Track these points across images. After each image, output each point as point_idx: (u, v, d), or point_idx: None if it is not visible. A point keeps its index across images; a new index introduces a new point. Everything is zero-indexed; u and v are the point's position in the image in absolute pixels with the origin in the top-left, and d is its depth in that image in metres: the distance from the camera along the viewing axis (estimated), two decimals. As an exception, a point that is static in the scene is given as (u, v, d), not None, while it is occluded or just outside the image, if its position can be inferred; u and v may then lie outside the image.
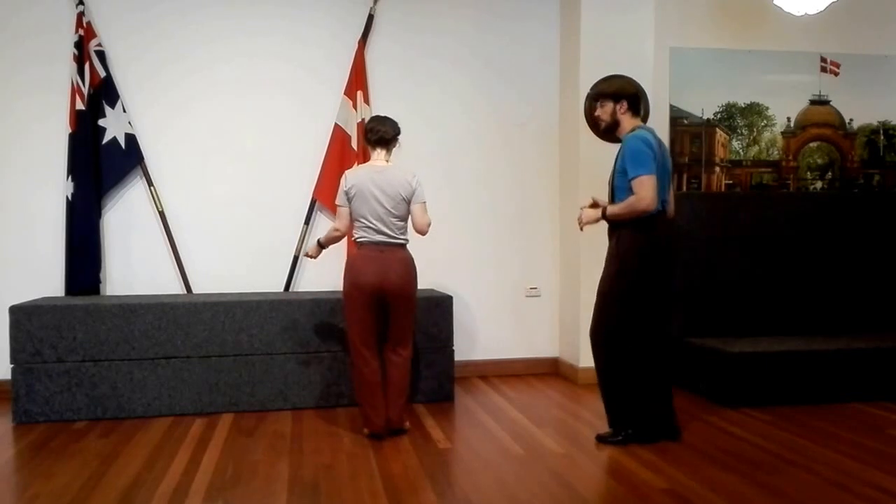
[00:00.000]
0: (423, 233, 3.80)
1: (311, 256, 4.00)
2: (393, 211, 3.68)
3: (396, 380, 3.81)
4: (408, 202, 3.72)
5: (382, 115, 3.92)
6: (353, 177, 3.73)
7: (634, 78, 4.90)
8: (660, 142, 3.63)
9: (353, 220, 3.74)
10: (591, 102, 4.84)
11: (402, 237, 3.75)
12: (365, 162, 4.02)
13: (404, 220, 3.75)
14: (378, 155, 3.78)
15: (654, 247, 3.57)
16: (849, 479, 3.19)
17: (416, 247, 3.85)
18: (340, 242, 4.43)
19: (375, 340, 3.78)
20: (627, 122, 3.64)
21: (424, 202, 3.77)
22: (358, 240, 3.75)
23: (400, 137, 3.83)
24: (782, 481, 3.16)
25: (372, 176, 3.69)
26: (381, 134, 3.76)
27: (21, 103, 4.67)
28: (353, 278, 3.70)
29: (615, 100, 3.64)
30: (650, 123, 4.93)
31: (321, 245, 3.92)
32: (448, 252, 5.09)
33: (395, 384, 3.80)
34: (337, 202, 3.78)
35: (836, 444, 3.66)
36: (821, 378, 4.46)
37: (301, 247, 4.89)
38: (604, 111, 3.68)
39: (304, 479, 3.22)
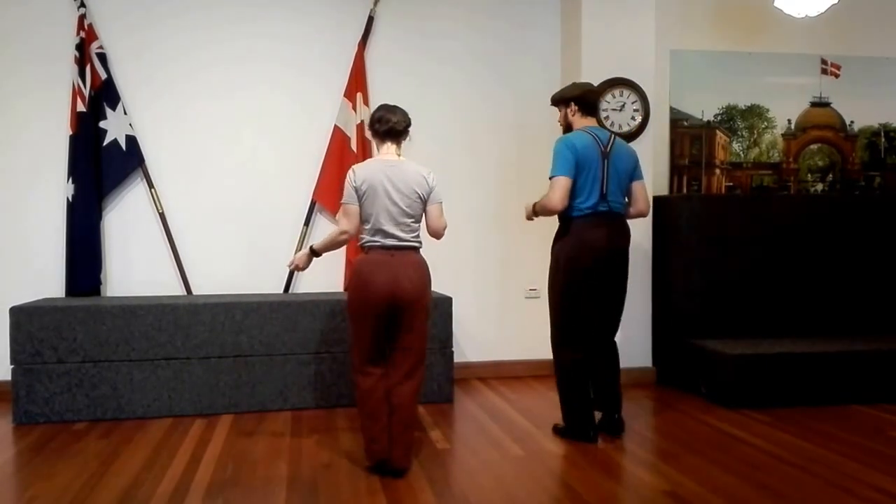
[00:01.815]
0: (438, 236, 3.44)
1: (299, 269, 3.55)
2: (407, 210, 3.27)
3: (402, 411, 3.27)
4: (423, 201, 3.33)
5: (391, 103, 3.49)
6: (364, 171, 3.29)
7: (636, 80, 4.95)
8: (601, 141, 3.66)
9: (362, 220, 3.31)
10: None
11: (415, 240, 3.33)
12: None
13: (418, 220, 3.35)
14: (388, 148, 3.38)
15: (578, 252, 3.64)
16: (850, 480, 3.18)
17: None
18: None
19: (383, 357, 3.34)
20: (578, 122, 3.77)
21: (441, 203, 3.40)
22: (365, 244, 3.31)
23: (411, 129, 3.46)
24: (783, 483, 3.16)
25: (385, 170, 3.27)
26: (392, 125, 3.34)
27: (21, 106, 4.68)
28: (361, 288, 3.23)
29: (564, 104, 3.80)
30: (650, 125, 5.00)
31: (315, 253, 3.48)
32: (447, 253, 5.08)
33: (399, 416, 3.27)
34: (344, 200, 3.31)
35: (836, 446, 3.65)
36: (821, 380, 4.45)
37: (301, 248, 4.83)
38: (560, 116, 3.86)
39: (303, 478, 3.22)
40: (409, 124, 3.42)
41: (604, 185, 3.63)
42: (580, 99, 3.75)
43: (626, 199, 3.82)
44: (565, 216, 3.71)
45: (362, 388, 3.30)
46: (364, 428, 3.32)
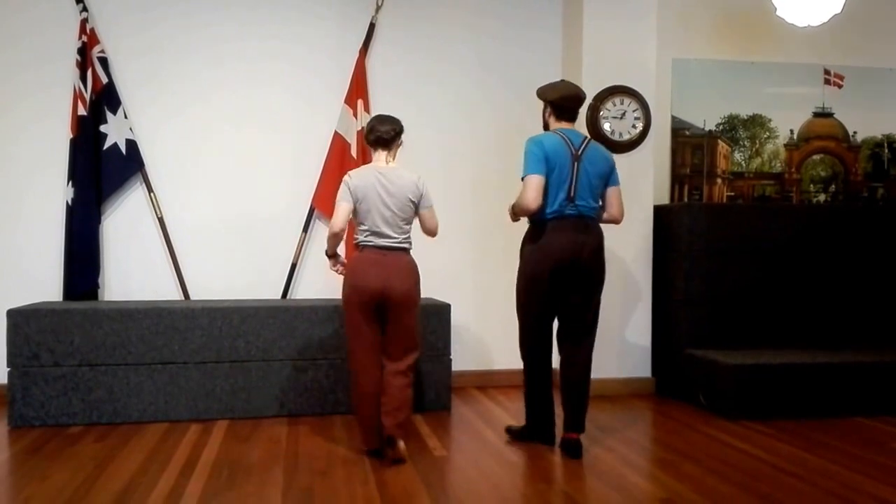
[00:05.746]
0: (433, 235, 3.72)
1: (338, 271, 3.76)
2: (400, 213, 3.51)
3: (395, 393, 3.50)
4: (414, 205, 3.56)
5: (385, 114, 3.72)
6: (358, 177, 3.52)
7: (637, 89, 4.94)
8: (572, 144, 3.61)
9: (357, 221, 3.56)
10: (593, 113, 4.88)
11: (406, 241, 3.57)
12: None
13: (410, 223, 3.58)
14: (379, 156, 3.60)
15: (541, 255, 3.63)
16: (851, 491, 3.15)
17: (414, 255, 3.82)
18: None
19: (378, 350, 3.56)
20: (553, 124, 3.76)
21: (432, 206, 3.65)
22: (360, 243, 3.54)
23: (403, 136, 3.66)
24: (783, 493, 3.13)
25: (378, 176, 3.51)
26: (380, 134, 3.57)
27: (22, 108, 4.69)
28: (354, 283, 3.49)
29: (543, 102, 3.80)
30: (651, 134, 4.98)
31: (330, 256, 3.73)
32: (446, 260, 5.08)
33: (393, 396, 3.49)
34: (339, 197, 3.51)
35: (837, 458, 3.62)
36: (823, 391, 4.42)
37: (299, 254, 4.91)
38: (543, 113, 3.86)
39: (298, 484, 3.20)
40: (397, 132, 3.62)
41: (572, 188, 3.58)
42: (554, 104, 3.72)
43: (601, 204, 3.75)
44: (531, 219, 3.70)
45: (358, 378, 3.57)
46: (359, 415, 3.60)
